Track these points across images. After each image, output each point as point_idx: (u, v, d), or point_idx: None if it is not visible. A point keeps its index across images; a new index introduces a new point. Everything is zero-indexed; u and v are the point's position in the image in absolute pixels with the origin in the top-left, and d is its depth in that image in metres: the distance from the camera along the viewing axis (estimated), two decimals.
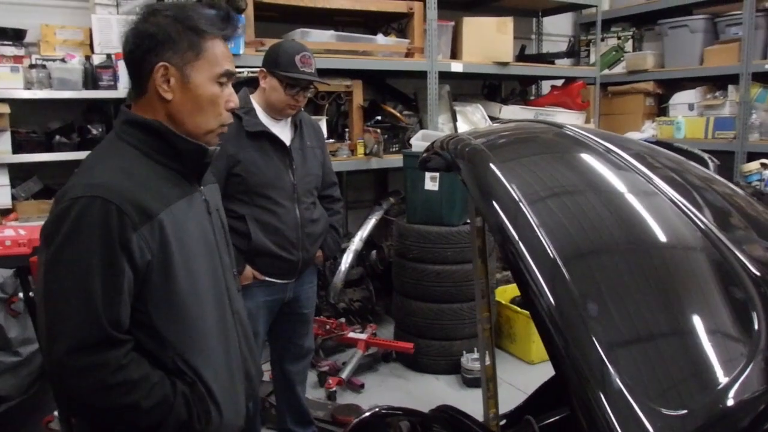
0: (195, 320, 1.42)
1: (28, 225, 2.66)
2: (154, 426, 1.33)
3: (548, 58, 5.55)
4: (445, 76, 4.53)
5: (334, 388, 3.49)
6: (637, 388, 0.97)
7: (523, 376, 3.71)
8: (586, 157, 1.44)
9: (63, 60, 3.48)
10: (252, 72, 3.35)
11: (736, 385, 0.99)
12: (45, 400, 2.95)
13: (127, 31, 1.43)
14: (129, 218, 1.29)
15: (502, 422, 2.01)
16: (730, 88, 5.16)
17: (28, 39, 3.60)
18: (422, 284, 3.79)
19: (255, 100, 2.55)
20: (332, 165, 2.90)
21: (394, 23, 4.59)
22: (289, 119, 2.61)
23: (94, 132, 3.58)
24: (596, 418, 0.94)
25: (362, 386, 3.64)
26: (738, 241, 1.23)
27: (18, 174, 3.56)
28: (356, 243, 4.40)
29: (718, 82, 5.32)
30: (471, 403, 2.04)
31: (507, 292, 4.30)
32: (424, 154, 1.76)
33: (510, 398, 2.18)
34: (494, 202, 1.25)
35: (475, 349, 3.71)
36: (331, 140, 4.10)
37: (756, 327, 1.08)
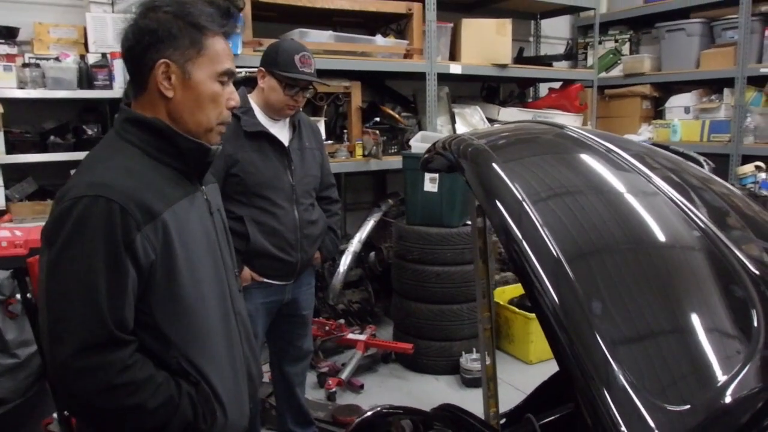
0: (199, 320, 1.40)
1: (23, 226, 2.65)
2: (160, 426, 1.32)
3: (546, 61, 5.57)
4: (444, 78, 4.54)
5: (333, 389, 3.49)
6: (640, 384, 0.98)
7: (522, 375, 3.73)
8: (588, 158, 1.46)
9: (57, 59, 3.44)
10: (250, 72, 3.35)
11: (736, 382, 1.01)
12: (44, 403, 2.94)
13: (126, 27, 1.40)
14: (133, 218, 1.27)
15: (502, 421, 2.02)
16: (726, 91, 5.19)
17: (21, 37, 3.56)
18: (422, 285, 3.81)
19: (253, 100, 2.54)
20: (331, 166, 2.90)
21: (393, 24, 4.60)
22: (288, 120, 2.59)
23: (90, 132, 3.55)
24: (600, 415, 0.95)
25: (362, 387, 3.65)
26: (737, 240, 1.25)
27: (12, 175, 3.51)
28: (355, 245, 4.41)
29: (714, 86, 5.36)
30: (470, 403, 2.05)
31: (505, 293, 4.32)
32: (426, 155, 1.77)
33: (509, 398, 2.20)
34: (498, 202, 1.26)
35: (475, 349, 3.73)
36: (329, 141, 4.11)
37: (755, 325, 1.09)
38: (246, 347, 1.59)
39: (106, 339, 1.25)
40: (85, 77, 3.44)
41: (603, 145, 1.48)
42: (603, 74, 5.94)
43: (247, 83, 2.90)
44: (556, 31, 6.29)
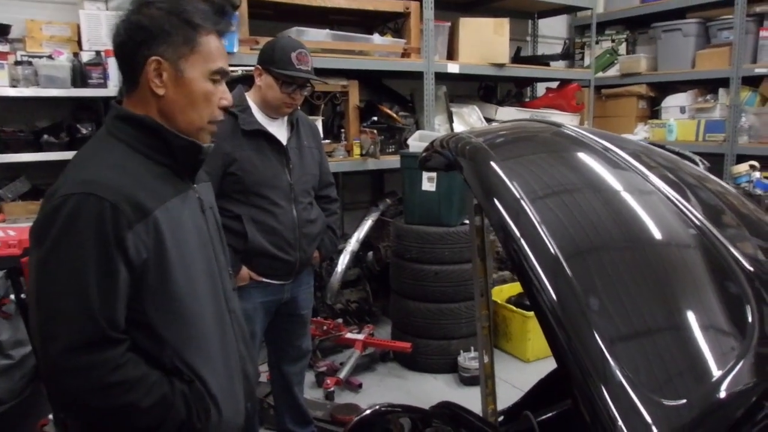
0: (192, 319, 1.40)
1: (17, 226, 2.64)
2: (154, 425, 1.31)
3: (543, 60, 5.59)
4: (442, 77, 4.55)
5: (332, 388, 3.50)
6: (637, 380, 0.99)
7: (520, 373, 3.74)
8: (585, 156, 1.47)
9: (50, 57, 3.39)
10: (247, 70, 3.34)
11: (731, 377, 1.02)
12: (39, 403, 2.93)
13: (118, 22, 1.39)
14: (124, 215, 1.26)
15: (501, 418, 2.04)
16: (721, 91, 5.22)
17: (13, 35, 3.50)
18: (420, 284, 3.81)
19: (250, 98, 2.53)
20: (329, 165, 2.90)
21: (391, 23, 4.60)
22: (286, 118, 2.58)
23: (84, 131, 3.49)
24: (598, 410, 0.97)
25: (360, 386, 3.66)
26: (732, 238, 1.27)
27: (5, 174, 3.49)
28: (353, 244, 4.41)
29: (709, 86, 5.38)
30: (469, 401, 2.06)
31: (503, 292, 4.33)
32: (424, 153, 1.77)
33: (507, 395, 2.21)
34: (496, 200, 1.27)
35: (473, 347, 3.74)
36: (327, 141, 4.10)
37: (750, 321, 1.11)
38: (242, 346, 1.59)
39: (97, 338, 1.24)
40: (79, 75, 3.40)
41: (600, 143, 1.50)
42: (600, 74, 5.96)
43: (245, 81, 2.89)
44: (553, 31, 6.31)
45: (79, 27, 3.55)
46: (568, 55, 5.85)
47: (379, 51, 4.33)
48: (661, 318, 1.14)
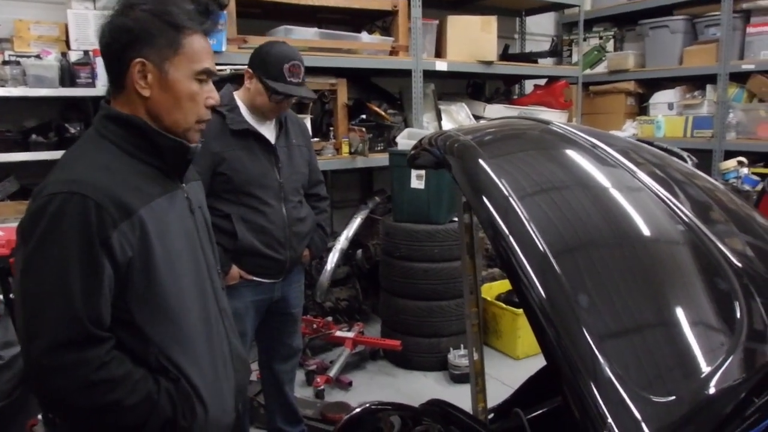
0: (178, 317, 1.40)
1: (5, 226, 2.62)
2: (139, 423, 1.32)
3: (531, 58, 5.60)
4: (430, 75, 4.55)
5: (322, 387, 3.49)
6: (627, 377, 1.00)
7: (510, 370, 3.74)
8: (573, 153, 1.47)
9: (38, 56, 3.39)
10: (235, 69, 3.32)
11: (720, 373, 1.03)
12: (29, 404, 2.91)
13: (103, 24, 1.39)
14: (109, 215, 1.27)
15: (491, 415, 2.04)
16: (709, 87, 5.25)
17: (0, 34, 3.51)
18: (409, 282, 3.81)
19: (239, 98, 2.51)
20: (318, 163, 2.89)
21: (379, 21, 4.59)
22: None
23: (72, 131, 3.50)
24: (588, 407, 0.97)
25: (350, 384, 3.66)
26: (720, 234, 1.27)
27: None
28: (342, 242, 4.40)
29: (697, 82, 5.41)
30: (459, 398, 2.06)
31: (492, 289, 4.34)
32: (413, 151, 1.77)
33: (497, 393, 2.21)
34: (485, 198, 1.27)
35: (462, 345, 3.74)
36: (315, 139, 4.09)
37: (738, 317, 1.11)
38: (232, 344, 1.59)
39: (81, 336, 1.25)
40: (67, 75, 3.40)
41: (588, 140, 1.50)
42: (588, 71, 5.98)
43: (234, 80, 2.88)
44: (541, 28, 6.32)
45: (67, 27, 3.54)
46: (556, 52, 5.87)
47: (367, 49, 4.33)
48: (650, 314, 1.14)
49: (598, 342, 1.03)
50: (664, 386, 1.03)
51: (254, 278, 2.53)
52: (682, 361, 1.07)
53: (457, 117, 4.90)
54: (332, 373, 3.62)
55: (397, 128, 4.50)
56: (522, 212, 1.21)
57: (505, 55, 5.45)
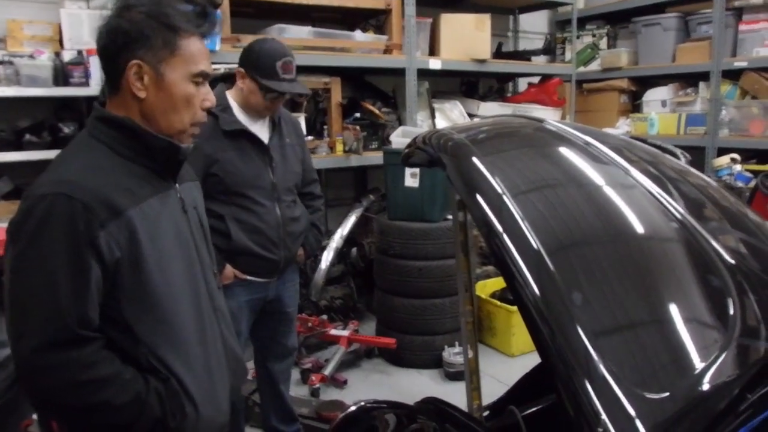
0: (168, 317, 1.40)
1: None
2: (128, 423, 1.32)
3: (525, 56, 5.60)
4: (424, 73, 4.55)
5: (317, 385, 3.49)
6: (621, 374, 1.00)
7: (504, 368, 3.75)
8: (567, 151, 1.47)
9: (31, 56, 3.38)
10: (228, 68, 3.31)
11: (714, 369, 1.03)
12: (23, 404, 2.90)
13: (100, 26, 1.39)
14: (95, 215, 1.27)
15: (486, 413, 2.04)
16: (701, 85, 5.27)
17: None
18: (404, 280, 3.81)
19: (232, 98, 2.50)
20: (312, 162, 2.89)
21: (372, 20, 4.59)
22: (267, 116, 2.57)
23: (66, 130, 3.48)
24: (582, 405, 0.97)
25: (345, 382, 3.66)
26: (713, 231, 1.27)
27: None
28: (337, 241, 4.39)
29: (690, 80, 5.43)
30: (454, 396, 2.06)
31: (487, 287, 4.34)
32: (407, 150, 1.77)
33: (492, 390, 2.21)
34: (479, 196, 1.27)
35: (457, 343, 3.75)
36: (309, 138, 4.08)
37: (731, 313, 1.12)
38: (227, 344, 1.59)
39: (68, 336, 1.25)
40: (61, 75, 3.39)
41: (582, 138, 1.50)
42: (581, 69, 5.99)
43: (226, 80, 2.86)
44: (534, 26, 6.33)
45: (60, 26, 3.53)
46: (550, 50, 5.87)
47: (361, 48, 4.33)
48: (644, 311, 1.14)
49: (592, 339, 1.03)
50: (658, 383, 1.03)
51: (248, 278, 2.53)
52: (676, 357, 1.07)
53: (450, 115, 4.90)
54: (327, 371, 3.62)
55: (391, 126, 4.50)
56: (516, 210, 1.21)
57: (498, 53, 5.45)
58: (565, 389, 1.00)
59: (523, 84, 5.93)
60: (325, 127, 4.33)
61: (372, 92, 4.92)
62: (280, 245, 2.54)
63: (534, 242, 1.15)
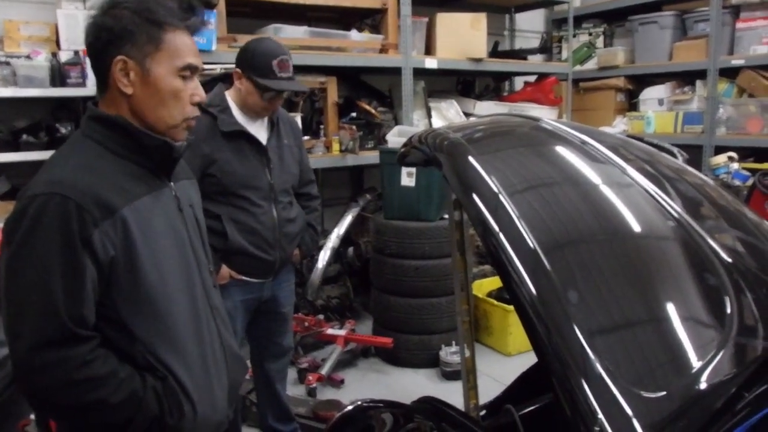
0: (164, 315, 1.40)
1: None
2: (125, 421, 1.33)
3: (521, 55, 5.60)
4: (420, 73, 4.55)
5: (314, 385, 3.48)
6: (617, 372, 0.99)
7: (501, 367, 3.75)
8: (563, 150, 1.47)
9: (28, 57, 3.39)
10: (226, 68, 3.31)
11: (711, 368, 1.03)
12: (21, 404, 2.89)
13: (87, 24, 1.41)
14: (89, 214, 1.27)
15: (483, 412, 2.04)
16: (698, 83, 5.27)
17: None
18: (400, 279, 3.81)
19: (230, 98, 2.49)
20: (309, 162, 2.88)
21: (368, 19, 4.59)
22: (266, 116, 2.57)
23: (63, 131, 3.50)
24: (578, 403, 0.97)
25: (342, 382, 3.65)
26: (710, 229, 1.27)
27: None
28: (333, 240, 4.39)
29: (687, 78, 5.43)
30: (450, 395, 2.06)
31: (483, 286, 4.34)
32: (403, 149, 1.77)
33: (488, 389, 2.21)
34: (475, 195, 1.27)
35: (454, 342, 3.75)
36: (306, 137, 4.06)
37: (728, 312, 1.12)
38: (225, 342, 1.58)
39: (63, 335, 1.26)
40: (58, 75, 3.40)
41: (578, 137, 1.50)
42: (577, 67, 5.99)
43: (225, 80, 2.85)
44: (530, 25, 6.33)
45: (57, 27, 3.54)
46: (546, 48, 5.88)
47: (357, 47, 4.33)
48: (641, 310, 1.14)
49: (588, 338, 1.03)
50: (654, 382, 1.03)
51: (243, 278, 2.52)
52: (673, 356, 1.07)
53: (447, 114, 4.89)
54: (324, 371, 3.61)
55: (387, 126, 4.50)
56: (512, 209, 1.21)
57: (494, 52, 5.45)
58: (562, 388, 1.00)
59: (519, 83, 5.93)
60: (322, 126, 4.33)
61: (368, 92, 4.92)
62: (276, 246, 2.54)
63: (530, 241, 1.15)
